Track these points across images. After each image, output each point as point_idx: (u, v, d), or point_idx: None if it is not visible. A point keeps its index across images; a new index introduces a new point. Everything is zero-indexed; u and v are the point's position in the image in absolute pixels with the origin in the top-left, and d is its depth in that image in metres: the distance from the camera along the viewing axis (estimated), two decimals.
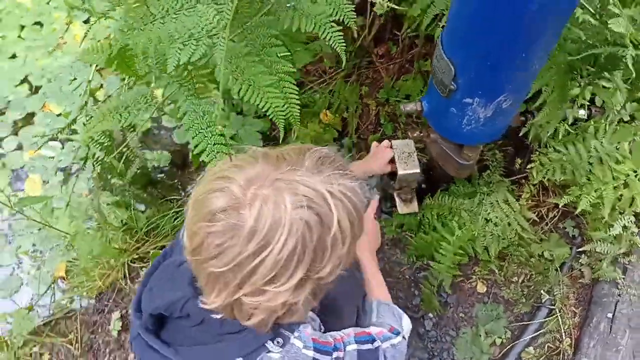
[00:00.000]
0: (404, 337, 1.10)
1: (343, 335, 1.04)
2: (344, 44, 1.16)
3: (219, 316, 0.84)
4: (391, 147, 1.57)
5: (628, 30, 0.87)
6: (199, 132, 1.09)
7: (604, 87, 1.24)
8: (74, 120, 1.57)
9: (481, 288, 1.60)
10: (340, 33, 1.16)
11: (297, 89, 1.17)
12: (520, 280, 1.56)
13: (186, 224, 0.80)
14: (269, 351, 0.88)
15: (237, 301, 0.78)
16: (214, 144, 1.08)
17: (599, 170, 1.32)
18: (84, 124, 1.39)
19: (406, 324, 1.15)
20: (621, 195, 1.30)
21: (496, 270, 1.58)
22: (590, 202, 1.30)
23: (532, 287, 1.53)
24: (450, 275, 1.49)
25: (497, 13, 0.96)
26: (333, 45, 1.16)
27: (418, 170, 1.57)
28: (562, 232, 1.56)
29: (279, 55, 1.13)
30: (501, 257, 1.59)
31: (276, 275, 0.75)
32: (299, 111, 1.17)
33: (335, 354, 0.97)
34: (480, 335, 1.51)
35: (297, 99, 1.16)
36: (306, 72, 2.14)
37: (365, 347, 1.04)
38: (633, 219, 1.34)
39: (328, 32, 1.14)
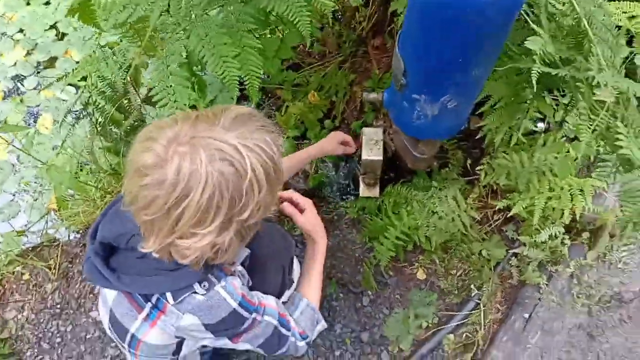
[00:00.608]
0: (307, 344, 1.23)
1: (268, 303, 1.16)
2: (310, 30, 1.28)
3: (157, 256, 0.96)
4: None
5: (543, 48, 0.96)
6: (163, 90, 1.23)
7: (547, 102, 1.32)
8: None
9: (421, 275, 1.71)
10: (308, 19, 1.27)
11: (261, 63, 1.29)
12: (457, 274, 1.66)
13: (123, 180, 0.93)
14: (195, 292, 1.01)
15: (172, 244, 0.90)
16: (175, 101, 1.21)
17: (537, 180, 1.40)
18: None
19: (318, 330, 1.28)
20: (553, 207, 1.38)
21: (437, 261, 1.68)
22: (522, 207, 1.39)
23: (467, 281, 1.63)
24: (387, 257, 1.60)
25: (430, 21, 1.06)
26: (301, 30, 1.28)
27: (380, 158, 1.68)
28: (504, 235, 1.65)
29: (246, 30, 1.26)
30: (445, 250, 1.70)
31: (200, 219, 0.87)
32: (258, 84, 1.29)
33: (254, 315, 1.10)
34: (410, 317, 1.62)
35: (258, 73, 1.28)
36: (307, 54, 2.25)
37: (282, 330, 1.16)
38: (562, 230, 1.43)
39: (297, 17, 1.26)
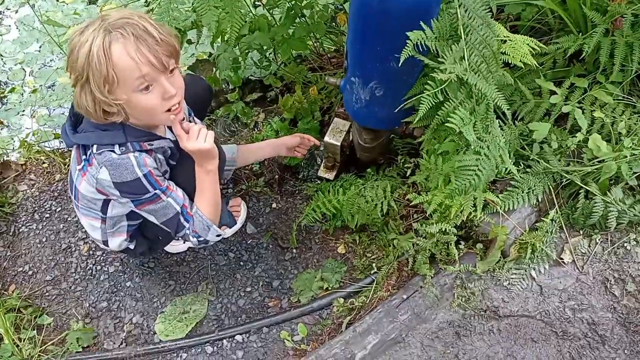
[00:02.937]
0: (199, 242, 1.49)
1: (175, 190, 1.44)
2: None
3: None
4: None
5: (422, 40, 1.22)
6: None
7: None
8: None
9: (341, 250, 1.93)
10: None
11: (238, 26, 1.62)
12: (371, 257, 1.86)
13: None
14: (112, 150, 1.33)
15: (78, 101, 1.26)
16: None
17: (442, 181, 1.60)
18: None
19: (214, 235, 1.50)
20: (448, 205, 1.57)
21: (357, 242, 1.90)
22: (425, 201, 1.60)
23: (374, 263, 1.82)
24: (310, 217, 1.85)
25: (357, 11, 1.35)
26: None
27: (338, 144, 1.95)
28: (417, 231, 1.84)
29: None
30: (368, 236, 1.91)
31: (73, 81, 1.24)
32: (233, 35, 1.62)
33: (158, 192, 1.39)
34: (316, 278, 1.84)
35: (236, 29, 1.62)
36: (328, 60, 2.59)
37: (181, 218, 1.45)
38: (455, 230, 1.60)
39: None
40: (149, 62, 1.19)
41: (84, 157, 1.39)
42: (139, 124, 1.36)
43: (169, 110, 1.30)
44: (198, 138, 1.37)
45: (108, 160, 1.32)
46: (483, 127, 1.22)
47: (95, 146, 1.34)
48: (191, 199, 1.51)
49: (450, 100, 1.21)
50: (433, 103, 1.20)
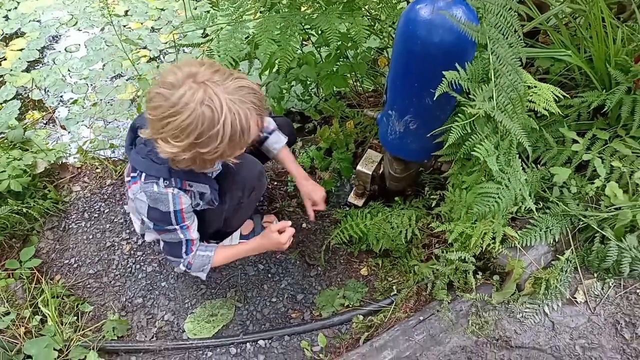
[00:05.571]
0: (185, 270, 1.68)
1: (192, 229, 1.61)
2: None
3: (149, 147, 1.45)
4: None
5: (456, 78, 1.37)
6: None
7: None
8: None
9: (364, 272, 2.04)
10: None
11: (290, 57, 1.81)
12: (392, 280, 1.97)
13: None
14: (157, 183, 1.47)
15: (155, 140, 1.30)
16: None
17: (465, 212, 1.72)
18: None
19: (199, 273, 1.69)
20: (469, 235, 1.68)
21: (380, 266, 2.01)
22: (447, 229, 1.71)
23: (395, 286, 1.92)
24: (338, 238, 1.97)
25: (397, 48, 1.52)
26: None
27: (369, 172, 2.10)
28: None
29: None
30: (390, 261, 2.02)
31: (176, 135, 1.23)
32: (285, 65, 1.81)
33: (178, 227, 1.55)
34: (338, 295, 1.95)
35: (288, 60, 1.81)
36: (365, 98, 2.78)
37: (182, 250, 1.63)
38: (473, 259, 1.71)
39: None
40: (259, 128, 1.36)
41: (133, 173, 1.54)
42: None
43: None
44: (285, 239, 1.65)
45: (149, 191, 1.47)
46: (505, 161, 1.36)
47: (143, 174, 1.49)
48: (204, 239, 1.71)
49: (477, 133, 1.35)
50: (462, 134, 1.34)
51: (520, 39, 1.40)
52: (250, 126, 1.27)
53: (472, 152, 1.30)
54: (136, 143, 1.55)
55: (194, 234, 1.63)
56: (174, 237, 1.59)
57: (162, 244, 1.65)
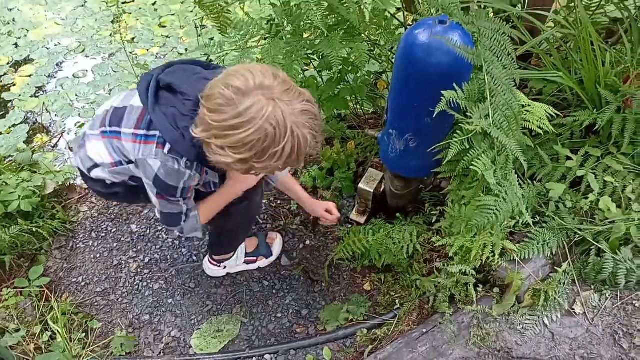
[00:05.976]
0: (179, 233, 1.67)
1: (192, 201, 1.58)
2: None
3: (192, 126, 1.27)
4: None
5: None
6: None
7: None
8: None
9: (367, 287, 2.08)
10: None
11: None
12: (394, 295, 2.01)
13: (215, 79, 1.19)
14: (178, 161, 1.37)
15: (208, 144, 1.21)
16: None
17: (464, 226, 1.78)
18: None
19: (193, 234, 1.66)
20: (469, 248, 1.74)
21: (383, 281, 2.05)
22: (446, 243, 1.77)
23: (397, 300, 1.97)
24: (341, 253, 2.02)
25: (397, 69, 1.61)
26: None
27: (371, 190, 2.17)
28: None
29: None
30: (393, 276, 2.07)
31: (234, 146, 1.17)
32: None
33: (180, 199, 1.52)
34: (342, 310, 1.99)
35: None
36: (365, 120, 2.87)
37: (182, 218, 1.58)
38: (474, 272, 1.76)
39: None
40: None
41: (146, 130, 1.39)
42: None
43: None
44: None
45: (169, 166, 1.38)
46: (502, 175, 1.43)
47: (167, 145, 1.36)
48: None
49: (475, 149, 1.43)
50: (460, 149, 1.41)
51: (514, 61, 1.49)
52: (306, 147, 1.23)
53: (470, 166, 1.37)
54: (161, 102, 1.36)
55: (191, 202, 1.60)
56: (175, 207, 1.54)
57: (160, 215, 1.60)
